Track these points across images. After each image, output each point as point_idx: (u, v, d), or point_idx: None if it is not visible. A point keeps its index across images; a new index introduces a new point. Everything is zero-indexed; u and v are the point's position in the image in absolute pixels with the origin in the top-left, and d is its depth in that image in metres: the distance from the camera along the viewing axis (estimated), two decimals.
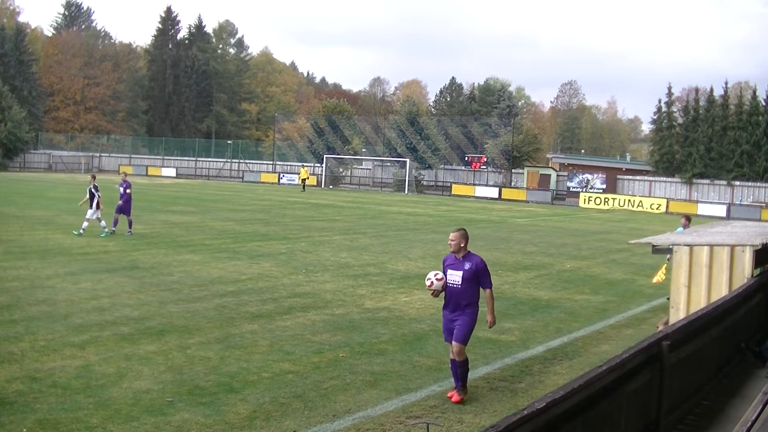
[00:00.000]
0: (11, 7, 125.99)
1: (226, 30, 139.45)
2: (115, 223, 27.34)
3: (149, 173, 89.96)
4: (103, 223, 26.75)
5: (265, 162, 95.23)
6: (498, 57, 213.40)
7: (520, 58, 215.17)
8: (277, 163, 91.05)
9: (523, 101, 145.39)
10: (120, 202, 27.44)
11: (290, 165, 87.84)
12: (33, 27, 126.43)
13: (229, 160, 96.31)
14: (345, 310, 15.63)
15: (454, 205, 57.97)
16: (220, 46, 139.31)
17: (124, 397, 9.60)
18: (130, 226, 27.44)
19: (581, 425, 4.10)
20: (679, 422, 6.92)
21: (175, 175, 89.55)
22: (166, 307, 15.05)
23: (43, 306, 14.61)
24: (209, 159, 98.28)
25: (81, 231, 26.17)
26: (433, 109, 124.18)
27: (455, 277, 10.22)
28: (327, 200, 55.67)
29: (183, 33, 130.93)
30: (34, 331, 12.59)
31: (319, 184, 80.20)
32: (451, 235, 10.31)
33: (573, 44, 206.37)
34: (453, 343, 10.22)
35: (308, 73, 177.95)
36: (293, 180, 78.91)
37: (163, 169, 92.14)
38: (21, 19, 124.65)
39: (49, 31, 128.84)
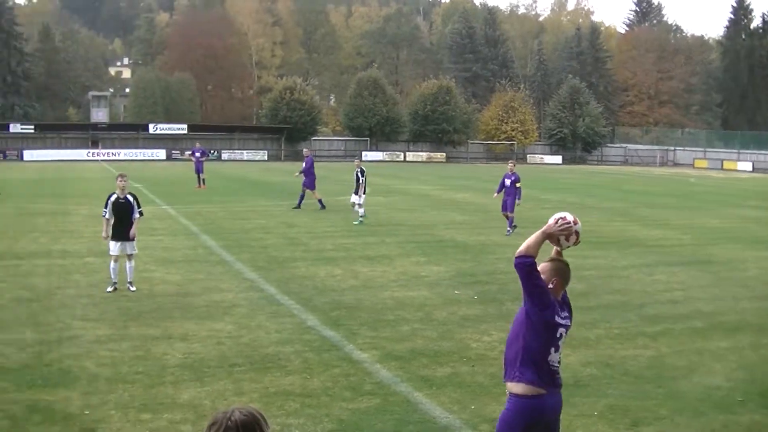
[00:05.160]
0: (586, 8, 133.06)
1: None
2: (301, 198, 28.66)
3: (724, 167, 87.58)
4: (361, 210, 25.47)
5: None
6: None
7: None
8: None
9: None
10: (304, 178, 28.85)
11: None
12: (606, 25, 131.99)
13: None
14: None
15: None
16: None
17: (693, 391, 9.45)
18: (320, 204, 28.44)
19: None
20: None
21: (751, 169, 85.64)
22: (739, 303, 14.50)
23: (618, 295, 14.98)
24: None
25: (360, 219, 25.28)
26: None
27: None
28: None
29: (756, 22, 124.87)
30: (609, 319, 12.94)
31: None
32: None
33: None
34: None
35: None
36: None
37: (738, 163, 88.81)
38: (594, 18, 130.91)
39: (621, 28, 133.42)
